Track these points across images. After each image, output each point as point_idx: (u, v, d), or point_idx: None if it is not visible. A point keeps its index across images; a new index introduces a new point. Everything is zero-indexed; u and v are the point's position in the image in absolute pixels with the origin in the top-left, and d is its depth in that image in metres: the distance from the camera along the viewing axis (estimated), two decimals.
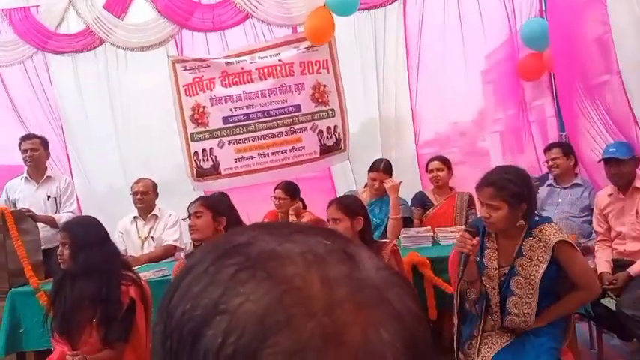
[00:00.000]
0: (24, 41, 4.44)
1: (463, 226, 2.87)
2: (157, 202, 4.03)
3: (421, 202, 3.76)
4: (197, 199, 2.68)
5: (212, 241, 0.41)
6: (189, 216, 2.65)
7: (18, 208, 3.61)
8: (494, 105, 4.59)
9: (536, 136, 4.26)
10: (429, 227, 3.39)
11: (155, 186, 4.03)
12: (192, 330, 0.33)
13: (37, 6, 4.48)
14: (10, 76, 4.60)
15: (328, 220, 2.49)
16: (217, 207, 2.56)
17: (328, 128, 4.21)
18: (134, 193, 3.94)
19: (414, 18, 4.26)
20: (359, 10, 3.98)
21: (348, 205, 2.47)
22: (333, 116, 4.19)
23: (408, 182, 3.80)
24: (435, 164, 3.72)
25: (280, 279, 0.33)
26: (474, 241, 2.00)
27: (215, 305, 0.33)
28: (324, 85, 4.14)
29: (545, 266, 2.00)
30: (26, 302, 3.10)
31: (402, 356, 0.33)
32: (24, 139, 3.95)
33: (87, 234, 2.45)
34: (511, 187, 1.99)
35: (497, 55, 4.46)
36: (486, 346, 2.10)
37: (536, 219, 2.10)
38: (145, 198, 3.94)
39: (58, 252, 2.50)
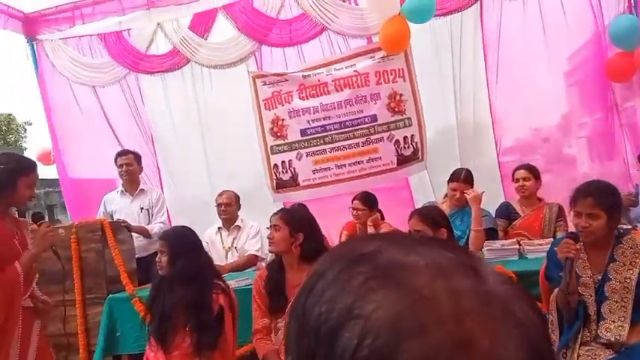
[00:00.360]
0: (117, 63, 4.78)
1: (552, 239, 2.77)
2: (239, 212, 4.17)
3: (506, 213, 3.60)
4: (278, 211, 2.71)
5: (338, 248, 0.44)
6: (270, 226, 2.68)
7: (115, 220, 3.87)
8: (580, 108, 4.33)
9: (627, 141, 3.97)
10: (515, 240, 3.23)
11: (238, 197, 4.17)
12: (328, 331, 0.36)
13: (129, 30, 4.80)
14: (106, 95, 4.96)
15: (410, 231, 2.46)
16: (296, 222, 2.56)
17: (405, 138, 4.15)
18: (218, 205, 4.10)
19: (492, 20, 4.13)
20: (435, 16, 3.91)
21: (431, 216, 2.44)
22: (410, 125, 4.12)
23: (490, 192, 3.65)
24: (522, 173, 3.54)
25: (409, 289, 0.35)
26: (577, 246, 2.11)
27: (349, 310, 0.36)
28: (401, 94, 4.09)
29: (638, 270, 2.07)
30: (122, 307, 3.27)
31: None
32: (119, 154, 4.25)
33: (183, 243, 2.59)
34: (609, 198, 2.13)
35: (581, 55, 4.21)
36: (588, 358, 2.10)
37: (621, 230, 2.21)
38: (229, 209, 4.09)
39: (156, 259, 2.65)
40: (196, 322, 2.45)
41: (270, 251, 2.79)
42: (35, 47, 5.01)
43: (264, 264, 4.06)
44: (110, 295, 3.36)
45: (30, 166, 2.57)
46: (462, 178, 3.58)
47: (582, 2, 3.96)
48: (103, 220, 3.63)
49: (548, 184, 3.73)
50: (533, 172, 3.53)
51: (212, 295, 2.52)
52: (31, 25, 4.92)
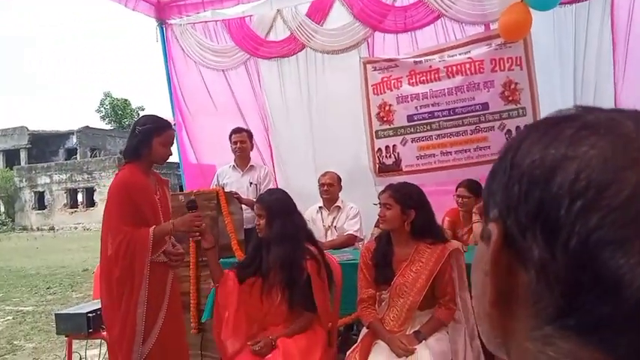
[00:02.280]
0: (240, 48, 5.07)
1: None
2: (340, 193, 4.28)
3: None
4: (387, 189, 2.69)
5: (534, 123, 0.47)
6: (379, 204, 2.69)
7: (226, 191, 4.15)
8: None
9: None
10: None
11: (340, 179, 4.28)
12: (543, 172, 0.40)
13: (251, 16, 5.06)
14: (234, 78, 5.26)
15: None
16: (407, 200, 2.56)
17: (517, 128, 3.97)
18: (321, 185, 4.24)
19: (622, 12, 3.88)
20: (560, 4, 3.75)
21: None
22: (524, 115, 3.97)
23: None
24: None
25: (618, 134, 0.39)
26: None
27: (563, 154, 0.39)
28: (516, 83, 3.95)
29: None
30: None
31: None
32: (234, 132, 4.53)
33: (279, 205, 2.71)
34: None
35: None
36: None
37: None
38: (330, 189, 4.22)
39: (255, 223, 2.79)
40: (288, 279, 2.55)
41: (382, 228, 2.83)
42: (165, 31, 5.42)
43: (360, 245, 4.16)
44: (221, 260, 3.53)
45: (164, 125, 2.70)
46: None
47: None
48: (218, 190, 3.86)
49: None
50: None
51: (304, 255, 2.60)
52: (162, 10, 5.30)
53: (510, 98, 4.01)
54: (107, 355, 3.13)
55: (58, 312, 3.46)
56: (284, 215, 2.67)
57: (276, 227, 2.63)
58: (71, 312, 3.34)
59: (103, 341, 3.35)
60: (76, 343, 3.70)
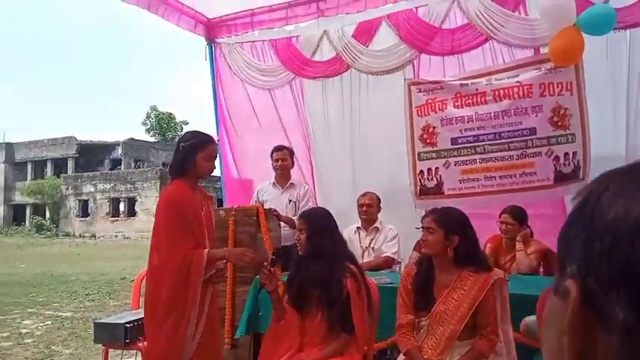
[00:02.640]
0: (285, 67, 5.13)
1: None
2: (379, 215, 4.23)
3: None
4: (430, 213, 2.65)
5: (610, 172, 0.45)
6: (422, 228, 2.63)
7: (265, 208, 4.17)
8: None
9: None
10: None
11: (379, 199, 4.24)
12: (629, 228, 0.38)
13: (298, 36, 5.13)
14: (279, 97, 5.33)
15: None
16: (450, 225, 2.50)
17: (566, 154, 3.88)
18: (360, 205, 4.20)
19: None
20: (614, 29, 3.64)
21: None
22: (573, 141, 3.85)
23: None
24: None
25: None
26: None
27: None
28: (566, 109, 3.84)
29: None
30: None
31: None
32: (276, 149, 4.56)
33: (320, 222, 2.74)
34: None
35: None
36: None
37: None
38: (369, 210, 4.18)
39: (295, 238, 2.83)
40: (327, 297, 2.55)
41: (424, 253, 2.77)
42: (213, 49, 5.55)
43: (408, 260, 4.08)
44: (256, 277, 3.53)
45: (206, 140, 2.75)
46: None
47: None
48: (258, 207, 3.89)
49: None
50: None
51: (343, 273, 2.58)
52: (211, 29, 5.44)
53: (559, 124, 3.89)
54: None
55: (97, 321, 3.51)
56: (325, 232, 2.70)
57: (317, 242, 2.66)
58: (110, 321, 3.38)
59: (138, 352, 3.38)
60: (111, 352, 3.74)
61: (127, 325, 3.24)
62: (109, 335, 3.28)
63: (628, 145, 3.97)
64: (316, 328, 2.61)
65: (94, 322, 3.45)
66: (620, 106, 4.00)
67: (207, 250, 2.63)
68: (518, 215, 3.70)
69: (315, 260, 2.64)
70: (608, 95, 4.02)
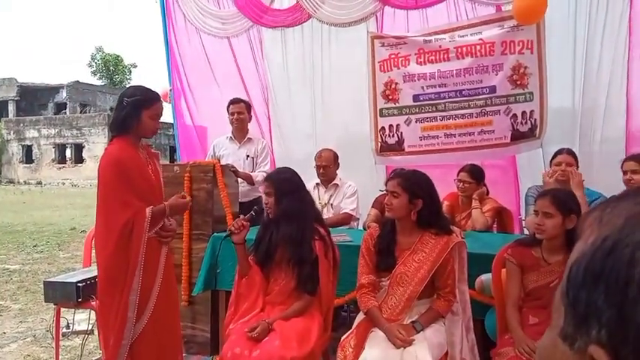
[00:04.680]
0: (243, 14, 4.86)
1: None
2: (337, 171, 4.20)
3: None
4: (394, 177, 2.62)
5: (619, 212, 0.42)
6: (385, 192, 2.62)
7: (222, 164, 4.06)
8: None
9: None
10: None
11: (336, 157, 4.17)
12: None
13: None
14: (236, 46, 5.07)
15: (536, 211, 2.38)
16: (415, 189, 2.50)
17: (524, 113, 3.93)
18: (317, 166, 4.14)
19: None
20: None
21: (564, 201, 2.34)
22: (531, 100, 3.89)
23: (613, 183, 3.28)
24: (630, 165, 3.18)
25: None
26: None
27: None
28: (526, 67, 3.86)
29: None
30: (224, 246, 3.30)
31: None
32: (232, 102, 4.40)
33: (288, 182, 2.72)
34: None
35: None
36: None
37: None
38: (327, 171, 4.12)
39: (263, 201, 2.79)
40: (296, 256, 2.58)
41: (388, 217, 2.77)
42: None
43: (356, 224, 4.12)
44: (214, 234, 3.51)
45: (152, 98, 2.62)
46: (566, 150, 3.36)
47: None
48: (215, 163, 3.76)
49: None
50: None
51: (312, 234, 2.61)
52: None
53: (518, 82, 3.92)
54: (96, 323, 3.10)
55: (47, 279, 3.39)
56: (292, 193, 2.69)
57: (285, 205, 2.65)
58: (60, 280, 3.27)
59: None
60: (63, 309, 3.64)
61: (79, 285, 3.15)
62: (60, 295, 3.19)
63: (583, 99, 4.03)
64: (281, 288, 2.65)
65: (44, 282, 3.33)
66: (579, 64, 4.02)
67: (150, 208, 2.53)
68: (475, 174, 3.75)
69: (285, 221, 2.65)
70: (569, 54, 4.02)
